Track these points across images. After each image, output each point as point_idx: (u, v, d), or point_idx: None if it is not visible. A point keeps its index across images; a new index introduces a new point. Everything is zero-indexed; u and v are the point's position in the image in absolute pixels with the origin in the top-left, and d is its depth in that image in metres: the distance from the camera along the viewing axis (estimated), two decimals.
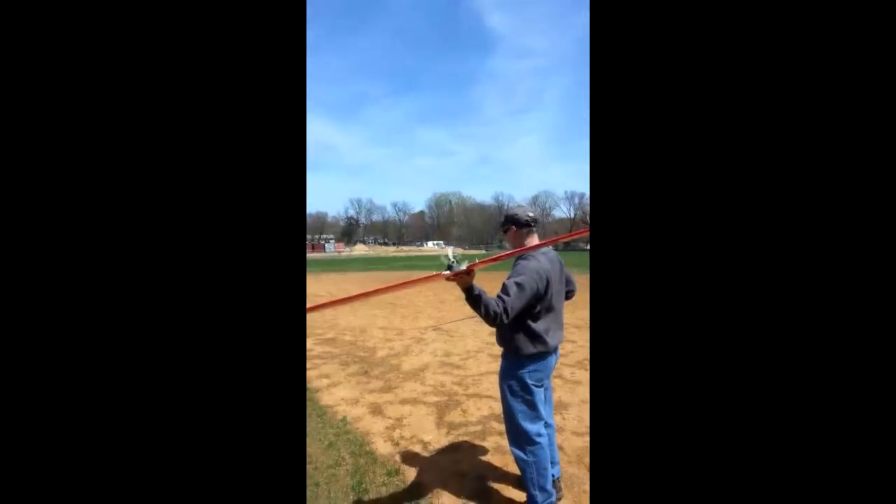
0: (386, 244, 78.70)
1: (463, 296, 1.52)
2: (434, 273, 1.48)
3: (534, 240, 1.77)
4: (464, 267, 1.45)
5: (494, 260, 1.57)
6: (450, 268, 1.46)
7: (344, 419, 2.86)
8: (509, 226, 1.79)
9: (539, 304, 1.67)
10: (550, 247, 1.80)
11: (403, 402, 3.19)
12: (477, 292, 1.49)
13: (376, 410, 3.03)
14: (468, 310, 1.60)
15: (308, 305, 1.71)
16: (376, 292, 1.60)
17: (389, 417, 2.90)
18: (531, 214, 1.79)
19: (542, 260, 1.69)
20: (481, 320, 1.55)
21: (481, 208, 79.08)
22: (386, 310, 7.67)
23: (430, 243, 73.28)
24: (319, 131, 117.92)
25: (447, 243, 67.63)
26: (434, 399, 3.22)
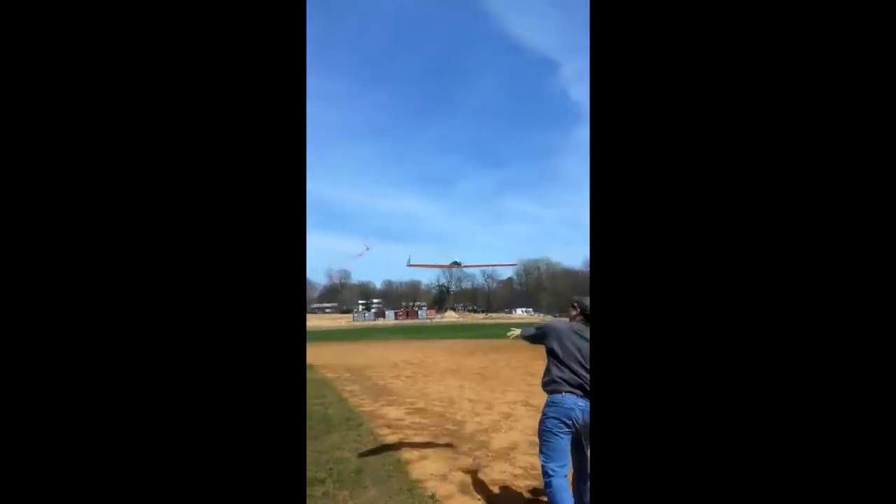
0: (475, 311, 78.74)
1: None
2: None
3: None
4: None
5: None
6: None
7: (433, 496, 2.85)
8: (578, 311, 2.34)
9: (551, 356, 2.27)
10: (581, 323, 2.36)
11: (493, 482, 3.09)
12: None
13: (465, 489, 2.97)
14: None
15: None
16: None
17: (479, 499, 2.83)
18: None
19: (560, 325, 2.35)
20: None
21: (568, 273, 76.24)
22: (474, 381, 7.59)
23: (519, 310, 71.58)
24: (409, 205, 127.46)
25: (536, 310, 65.47)
26: (525, 483, 3.07)
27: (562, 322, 2.38)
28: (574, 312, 2.36)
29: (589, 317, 2.30)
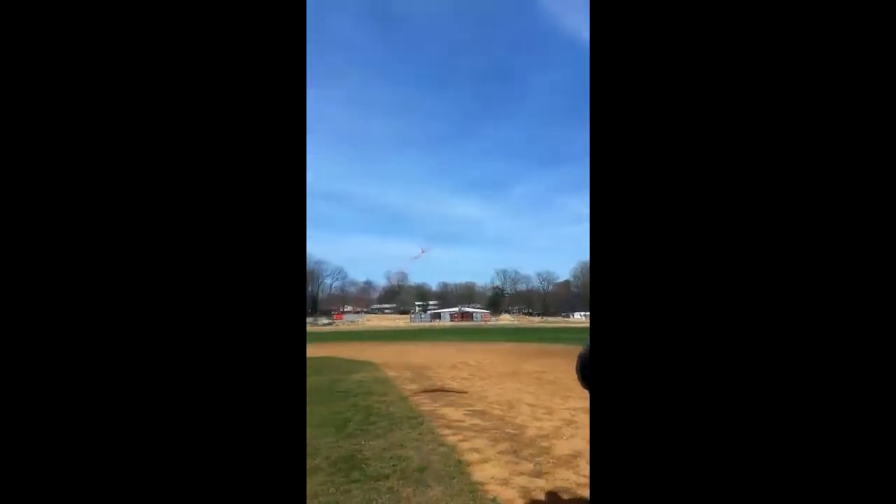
0: (531, 314, 77.29)
1: None
2: None
3: None
4: None
5: None
6: None
7: (495, 500, 2.87)
8: None
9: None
10: None
11: (556, 490, 3.04)
12: None
13: (527, 495, 2.96)
14: None
15: None
16: None
17: None
18: None
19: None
20: None
21: None
22: (533, 385, 7.47)
23: (577, 314, 69.10)
24: (465, 209, 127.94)
25: None
26: (588, 492, 2.99)
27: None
28: None
29: None
